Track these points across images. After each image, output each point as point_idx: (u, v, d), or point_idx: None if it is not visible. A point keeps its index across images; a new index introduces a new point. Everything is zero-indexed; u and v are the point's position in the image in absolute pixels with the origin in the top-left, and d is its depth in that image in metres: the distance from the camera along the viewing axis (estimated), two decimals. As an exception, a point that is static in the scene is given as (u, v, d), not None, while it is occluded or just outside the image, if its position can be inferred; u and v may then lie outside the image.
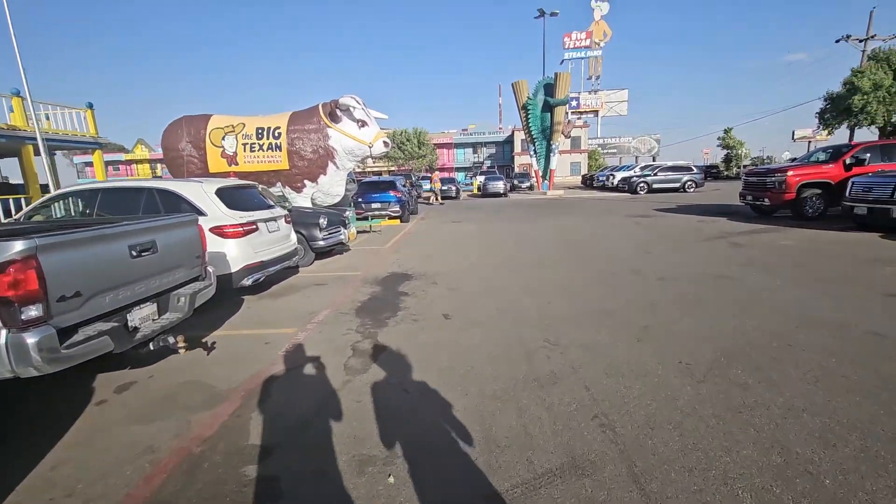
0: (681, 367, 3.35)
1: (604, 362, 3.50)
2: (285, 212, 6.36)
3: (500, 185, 28.28)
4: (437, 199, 25.63)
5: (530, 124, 27.95)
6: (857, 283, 5.42)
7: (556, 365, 3.49)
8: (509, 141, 55.76)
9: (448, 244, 10.01)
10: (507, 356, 3.70)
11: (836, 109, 30.28)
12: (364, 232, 12.72)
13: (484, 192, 29.01)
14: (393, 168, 51.85)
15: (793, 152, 74.43)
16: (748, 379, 3.13)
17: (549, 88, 27.20)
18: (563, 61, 54.60)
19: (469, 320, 4.63)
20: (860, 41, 29.59)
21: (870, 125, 28.29)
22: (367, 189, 15.02)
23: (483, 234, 11.54)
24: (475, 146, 59.45)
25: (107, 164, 60.78)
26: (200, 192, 5.21)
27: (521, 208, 19.37)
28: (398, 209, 14.59)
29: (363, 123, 11.03)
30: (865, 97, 27.11)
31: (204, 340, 4.35)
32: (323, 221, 7.72)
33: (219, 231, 5.05)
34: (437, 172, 29.16)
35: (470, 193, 33.46)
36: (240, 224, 5.19)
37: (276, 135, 11.01)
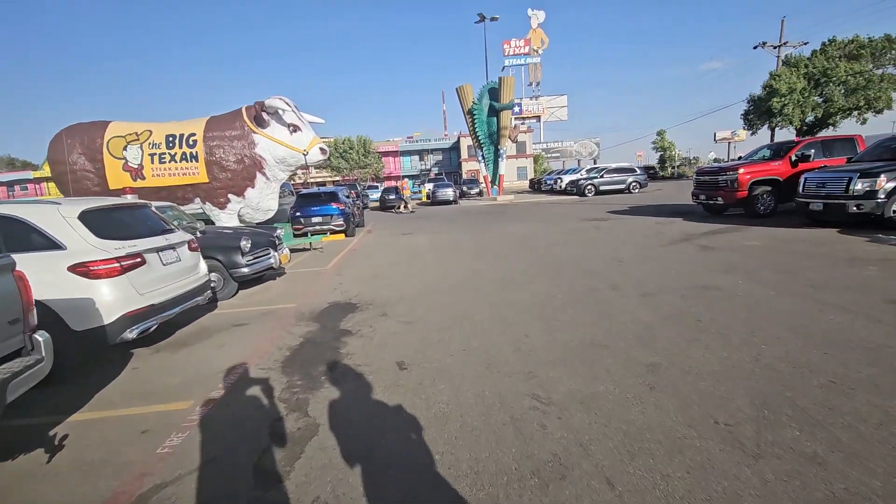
0: (721, 432, 2.49)
1: (619, 430, 2.57)
2: (188, 236, 5.03)
3: (449, 193, 27.49)
4: (406, 207, 24.38)
5: (477, 129, 27.44)
6: (853, 289, 4.93)
7: (557, 440, 2.52)
8: (456, 147, 55.42)
9: (399, 261, 8.92)
10: (488, 428, 2.69)
11: (758, 111, 32.23)
12: (303, 250, 11.34)
13: (434, 200, 28.10)
14: (338, 179, 49.84)
15: (717, 152, 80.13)
16: (815, 446, 2.32)
17: (494, 93, 26.86)
18: (504, 68, 55.13)
19: (431, 369, 3.59)
20: (775, 47, 31.63)
21: (789, 124, 30.32)
22: (305, 201, 13.60)
23: (437, 246, 10.54)
24: (421, 153, 58.63)
25: (12, 183, 53.98)
26: (56, 218, 3.82)
27: (474, 215, 18.61)
28: (342, 222, 13.29)
29: (295, 128, 9.74)
30: (783, 99, 28.96)
31: (52, 433, 3.00)
32: (245, 244, 6.40)
33: (83, 269, 3.69)
34: (405, 180, 27.63)
35: (419, 202, 32.45)
36: (115, 258, 3.85)
37: (191, 143, 9.46)
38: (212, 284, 6.23)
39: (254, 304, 6.21)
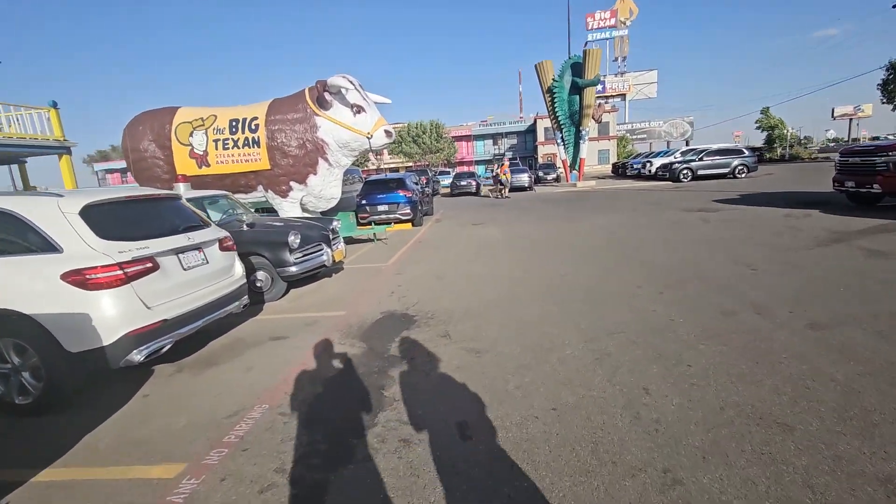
0: None
1: None
2: (220, 234, 4.28)
3: (524, 178, 25.67)
4: (504, 193, 22.26)
5: (556, 109, 25.31)
6: None
7: None
8: (531, 130, 52.88)
9: (468, 258, 7.81)
10: None
11: (908, 77, 26.66)
12: (366, 241, 10.64)
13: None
14: (410, 164, 49.70)
15: (836, 131, 68.99)
16: None
17: (577, 68, 24.50)
18: (586, 43, 51.20)
19: (508, 442, 2.45)
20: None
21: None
22: (372, 189, 12.93)
23: (512, 241, 9.28)
24: (495, 137, 56.74)
25: (111, 171, 59.82)
26: (54, 214, 3.17)
27: (552, 204, 16.95)
28: (409, 211, 12.46)
29: (359, 109, 8.91)
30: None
31: (6, 501, 2.31)
32: (294, 239, 5.64)
33: (78, 278, 3.00)
34: (506, 162, 25.62)
35: (491, 188, 31.05)
36: (117, 264, 3.13)
37: (253, 127, 9.00)
38: (258, 284, 5.58)
39: (301, 308, 5.45)
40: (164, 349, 3.38)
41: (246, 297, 4.51)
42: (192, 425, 2.90)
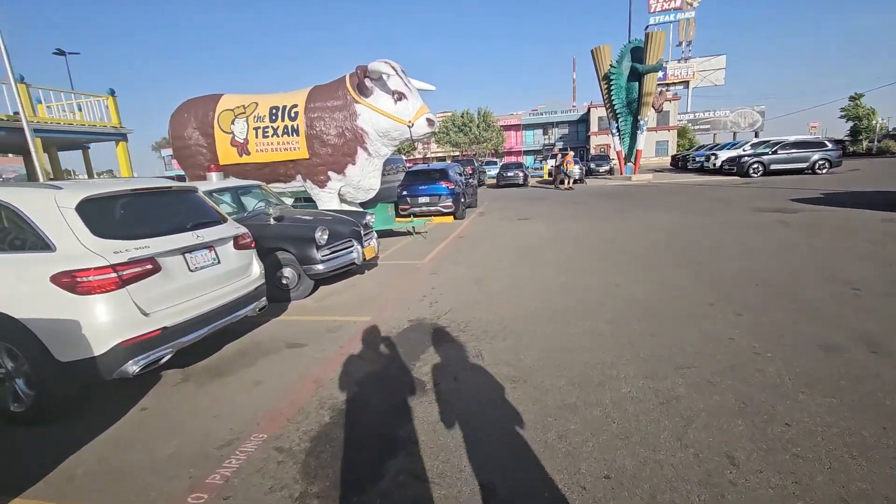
0: None
1: None
2: (236, 230, 3.93)
3: (575, 170, 24.43)
4: (567, 184, 21.45)
5: (613, 97, 23.76)
6: None
7: None
8: (584, 119, 50.62)
9: (510, 259, 7.19)
10: None
11: None
12: (405, 234, 10.23)
13: (556, 179, 25.35)
14: (457, 154, 49.04)
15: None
16: None
17: (638, 53, 22.81)
18: (647, 27, 48.08)
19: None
20: None
21: None
22: (413, 179, 12.48)
23: (559, 239, 8.55)
24: (545, 127, 54.84)
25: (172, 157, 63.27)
26: (49, 208, 2.89)
27: (604, 198, 15.85)
28: (450, 204, 11.92)
29: (400, 96, 8.44)
30: None
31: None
32: (321, 235, 5.26)
33: (67, 281, 2.71)
34: (570, 152, 24.54)
35: (539, 179, 29.92)
36: (110, 266, 2.81)
37: (293, 115, 8.75)
38: (283, 281, 5.27)
39: (326, 309, 5.08)
40: (164, 360, 3.06)
41: (264, 299, 4.16)
42: (180, 455, 2.54)
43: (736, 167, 21.78)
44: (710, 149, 28.08)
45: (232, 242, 3.84)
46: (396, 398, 3.02)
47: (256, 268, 4.13)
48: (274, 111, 8.88)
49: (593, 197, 16.67)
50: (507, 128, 53.43)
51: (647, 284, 5.24)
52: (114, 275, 2.81)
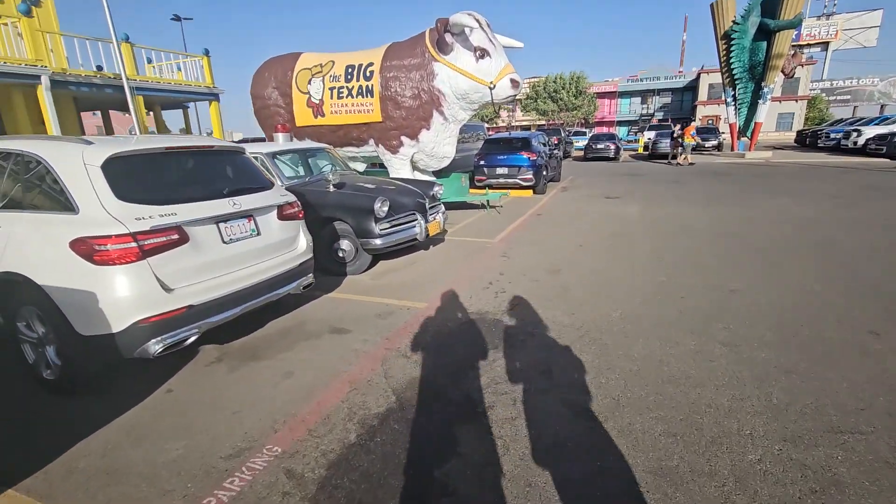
0: None
1: None
2: (281, 198, 3.51)
3: (665, 145, 21.72)
4: (685, 159, 18.74)
5: (732, 59, 20.45)
6: None
7: None
8: (692, 87, 45.21)
9: (594, 245, 6.24)
10: None
11: None
12: (479, 207, 9.54)
13: (652, 153, 22.85)
14: (542, 122, 46.44)
15: None
16: None
17: (770, 6, 19.24)
18: (783, -24, 40.95)
19: None
20: None
21: None
22: (491, 148, 11.62)
23: (654, 225, 7.36)
24: (644, 95, 49.84)
25: None
26: (77, 164, 2.62)
27: (709, 178, 13.77)
28: (531, 177, 10.94)
29: (483, 53, 7.58)
30: None
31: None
32: (381, 207, 4.77)
33: (85, 249, 2.43)
34: (693, 123, 21.39)
35: (632, 154, 27.28)
36: (131, 234, 2.49)
37: (368, 74, 8.27)
38: (340, 254, 4.89)
39: (380, 289, 4.63)
40: (189, 340, 2.76)
41: (311, 275, 3.77)
42: (184, 461, 2.20)
43: (886, 147, 17.96)
44: (852, 123, 23.51)
45: (276, 212, 3.44)
46: (437, 422, 2.45)
47: (303, 241, 3.73)
48: (350, 70, 8.46)
49: (698, 176, 14.58)
50: (601, 95, 49.32)
51: (774, 294, 4.11)
52: (133, 244, 2.50)
